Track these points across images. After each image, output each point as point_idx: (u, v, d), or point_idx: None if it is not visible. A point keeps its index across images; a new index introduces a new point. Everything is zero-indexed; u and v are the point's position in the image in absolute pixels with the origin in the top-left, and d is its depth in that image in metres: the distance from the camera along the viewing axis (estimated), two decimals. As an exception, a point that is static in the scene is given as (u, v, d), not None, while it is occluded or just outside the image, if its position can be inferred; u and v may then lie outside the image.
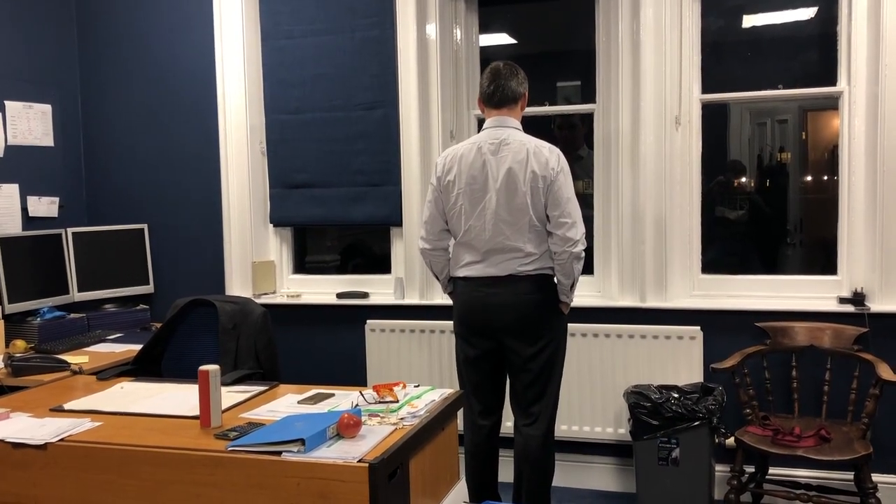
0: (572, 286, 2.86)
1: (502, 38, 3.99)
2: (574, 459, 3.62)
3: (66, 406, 2.34)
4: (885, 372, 2.92)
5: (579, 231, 2.79)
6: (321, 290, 4.06)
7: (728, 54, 3.55)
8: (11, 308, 3.49)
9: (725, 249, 3.68)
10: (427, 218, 3.00)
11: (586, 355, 3.53)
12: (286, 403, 2.31)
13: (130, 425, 2.13)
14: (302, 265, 4.22)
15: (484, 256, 2.86)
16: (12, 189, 3.77)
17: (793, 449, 2.86)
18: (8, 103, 3.77)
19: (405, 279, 3.82)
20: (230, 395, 2.38)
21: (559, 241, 2.78)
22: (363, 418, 2.03)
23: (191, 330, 2.96)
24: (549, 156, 2.80)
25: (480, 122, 3.76)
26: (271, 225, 4.10)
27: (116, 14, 4.14)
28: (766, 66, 3.51)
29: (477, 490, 3.02)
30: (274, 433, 1.93)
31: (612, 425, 3.54)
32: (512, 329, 2.83)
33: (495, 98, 2.90)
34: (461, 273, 2.93)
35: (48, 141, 4.00)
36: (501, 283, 2.83)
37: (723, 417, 3.14)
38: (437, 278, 3.09)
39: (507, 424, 3.09)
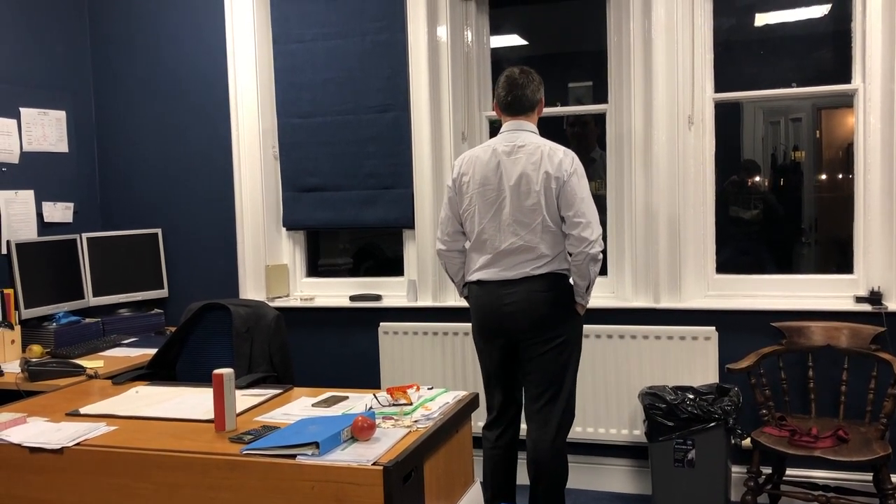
0: (588, 288, 2.86)
1: (513, 40, 3.98)
2: (589, 461, 3.61)
3: (82, 410, 2.35)
4: (903, 371, 2.89)
5: (595, 231, 2.77)
6: (334, 293, 4.06)
7: (741, 53, 3.53)
8: (28, 313, 3.52)
9: (740, 249, 3.65)
10: (442, 218, 3.03)
11: (601, 356, 3.51)
12: (300, 406, 2.31)
13: (146, 429, 2.14)
14: (315, 268, 4.22)
15: (498, 258, 2.86)
16: (28, 195, 3.79)
17: (810, 450, 2.84)
18: (23, 110, 3.80)
19: (418, 281, 3.82)
20: (244, 399, 2.39)
21: (575, 241, 2.77)
22: (377, 421, 2.03)
23: (205, 334, 2.97)
24: (564, 157, 2.81)
25: (492, 124, 3.78)
26: (284, 228, 4.11)
27: (129, 20, 4.17)
28: (780, 65, 3.49)
29: (495, 495, 3.02)
30: (288, 436, 1.94)
31: (627, 427, 3.52)
32: (526, 328, 2.82)
33: (512, 107, 2.92)
34: (475, 277, 2.93)
35: (63, 147, 4.03)
36: (516, 284, 2.83)
37: (739, 418, 3.11)
38: (453, 281, 3.10)
39: (524, 426, 3.08)
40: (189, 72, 4.08)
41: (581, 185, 2.80)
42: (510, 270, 2.84)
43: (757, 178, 3.71)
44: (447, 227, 3.00)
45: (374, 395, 2.28)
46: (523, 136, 2.88)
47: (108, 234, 4.00)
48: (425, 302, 3.79)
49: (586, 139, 3.79)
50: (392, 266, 4.05)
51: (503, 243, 2.84)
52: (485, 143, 2.99)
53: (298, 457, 1.85)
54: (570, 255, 2.81)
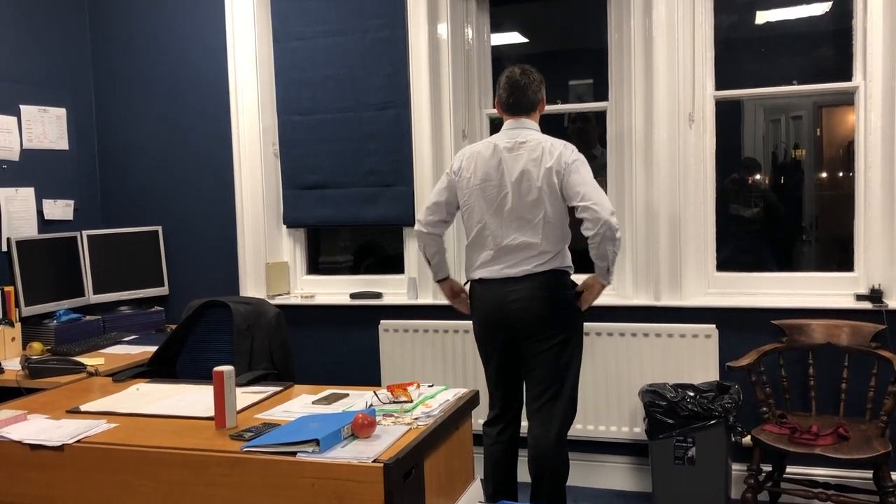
0: (609, 269, 2.82)
1: (514, 37, 3.98)
2: (589, 459, 3.61)
3: (83, 408, 2.35)
4: (903, 369, 2.89)
5: (605, 209, 2.71)
6: (335, 290, 4.06)
7: (741, 50, 3.52)
8: (28, 311, 3.52)
9: (740, 247, 3.65)
10: (430, 203, 3.01)
11: (601, 354, 3.51)
12: (301, 404, 2.31)
13: (146, 426, 2.14)
14: (315, 266, 4.22)
15: (500, 254, 2.86)
16: (28, 192, 3.79)
17: (810, 447, 2.84)
18: (23, 107, 3.79)
19: (418, 279, 3.82)
20: (245, 396, 2.39)
21: (590, 224, 2.72)
22: (377, 418, 2.03)
23: (205, 331, 2.97)
24: (564, 150, 2.81)
25: (493, 122, 3.78)
26: (284, 226, 4.11)
27: (129, 18, 4.17)
28: (780, 62, 3.49)
29: (496, 492, 3.02)
30: (289, 434, 1.94)
31: (628, 424, 3.52)
32: (529, 325, 2.82)
33: (514, 108, 2.93)
34: (477, 275, 2.93)
35: (63, 144, 4.03)
36: (519, 281, 2.83)
37: (739, 416, 3.11)
38: (430, 262, 3.08)
39: (525, 424, 3.08)
40: (189, 69, 4.08)
41: (583, 172, 2.79)
42: (513, 268, 2.84)
43: (757, 176, 3.71)
44: (438, 211, 2.98)
45: (375, 392, 2.28)
46: (525, 132, 2.88)
47: (108, 231, 4.00)
48: (426, 299, 3.79)
49: (587, 136, 3.79)
50: (392, 264, 4.04)
51: (505, 239, 2.84)
52: (486, 139, 2.99)
53: (299, 454, 1.85)
54: (588, 238, 2.75)
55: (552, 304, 2.83)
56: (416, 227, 3.06)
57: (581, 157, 2.83)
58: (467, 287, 3.04)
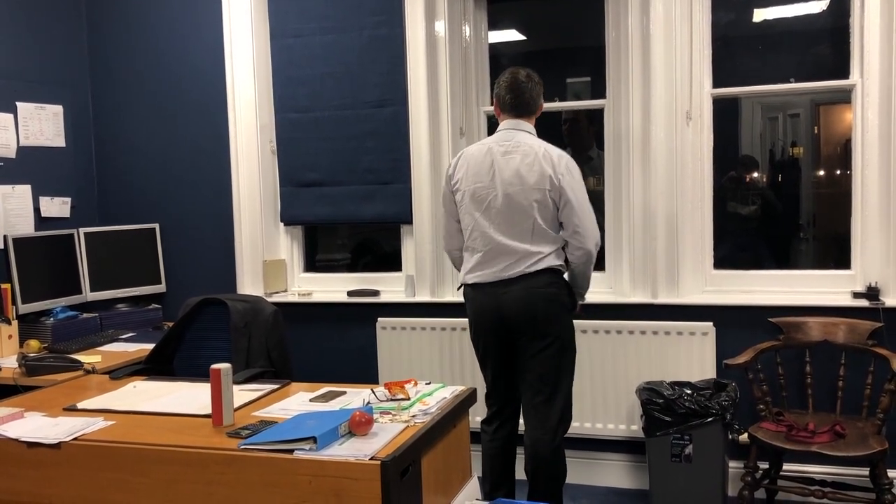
0: (586, 288, 2.98)
1: (511, 35, 3.98)
2: (587, 456, 3.61)
3: (80, 405, 2.35)
4: (900, 367, 2.90)
5: (591, 238, 2.83)
6: (332, 288, 4.06)
7: (739, 48, 3.52)
8: (25, 308, 3.51)
9: (738, 245, 3.66)
10: (444, 220, 3.08)
11: (598, 352, 3.51)
12: (298, 401, 2.31)
13: (143, 424, 2.14)
14: (313, 263, 4.22)
15: (489, 256, 2.86)
16: (25, 190, 3.79)
17: (807, 445, 2.85)
18: (20, 105, 3.79)
19: (416, 277, 3.82)
20: (242, 394, 2.39)
21: (573, 248, 2.84)
22: (375, 416, 2.03)
23: (203, 329, 2.96)
24: (558, 161, 2.81)
25: (490, 120, 3.78)
26: (282, 224, 4.10)
27: (126, 15, 4.16)
28: (778, 60, 3.49)
29: (493, 489, 3.02)
30: (286, 431, 1.94)
31: (625, 422, 3.52)
32: (524, 324, 2.82)
33: (514, 109, 2.94)
34: (470, 279, 2.93)
35: (60, 142, 4.02)
36: (513, 283, 2.83)
37: (736, 413, 3.12)
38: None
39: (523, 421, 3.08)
40: (186, 66, 4.07)
41: (577, 191, 2.83)
42: (505, 270, 2.84)
43: (755, 174, 3.72)
44: (448, 225, 3.04)
45: (372, 390, 2.28)
46: (519, 136, 2.89)
47: (105, 228, 3.99)
48: (423, 297, 3.79)
49: (582, 137, 3.79)
50: (390, 261, 4.04)
51: (495, 240, 2.84)
52: (482, 140, 3.01)
53: (296, 451, 1.85)
54: (571, 258, 2.87)
55: (548, 303, 2.83)
56: (444, 246, 3.14)
57: (576, 169, 2.86)
58: (461, 291, 3.04)
